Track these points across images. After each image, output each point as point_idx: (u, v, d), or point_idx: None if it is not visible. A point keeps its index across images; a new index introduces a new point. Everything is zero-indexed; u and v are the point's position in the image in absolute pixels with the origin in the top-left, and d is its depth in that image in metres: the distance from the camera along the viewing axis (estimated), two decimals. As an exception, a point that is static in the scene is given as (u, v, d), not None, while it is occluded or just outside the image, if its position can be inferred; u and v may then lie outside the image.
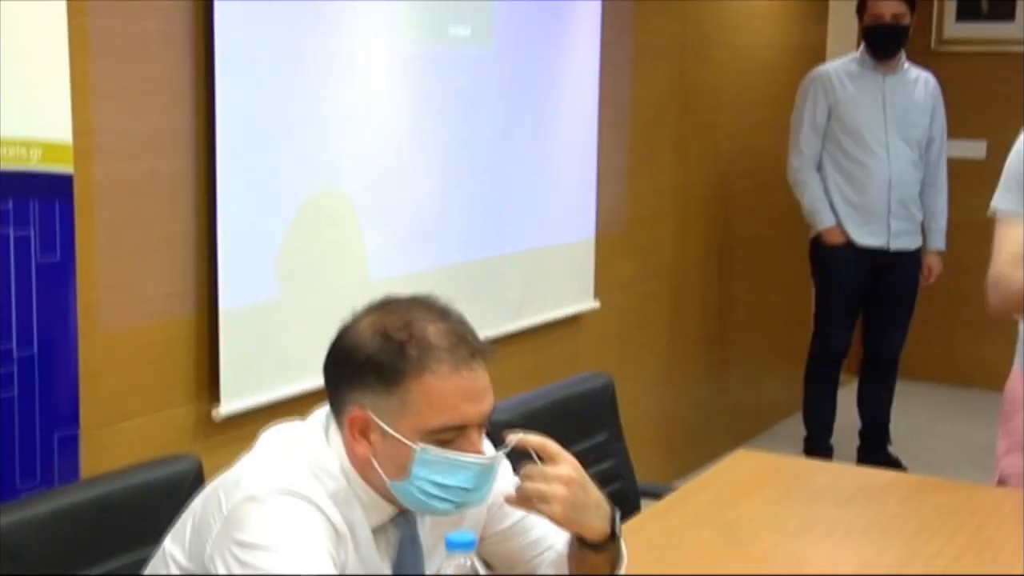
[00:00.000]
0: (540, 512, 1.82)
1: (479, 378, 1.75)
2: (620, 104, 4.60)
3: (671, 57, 4.94)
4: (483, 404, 1.76)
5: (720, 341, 5.71)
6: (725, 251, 5.67)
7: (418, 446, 1.71)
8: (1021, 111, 6.37)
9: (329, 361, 1.80)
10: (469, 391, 1.73)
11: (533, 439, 1.83)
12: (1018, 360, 2.88)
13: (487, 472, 1.77)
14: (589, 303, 4.47)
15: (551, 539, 1.98)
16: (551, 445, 1.84)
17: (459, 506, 1.77)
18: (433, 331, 1.73)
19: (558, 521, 1.83)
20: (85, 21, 2.60)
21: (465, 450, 1.73)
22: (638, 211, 4.82)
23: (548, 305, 4.23)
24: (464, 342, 1.75)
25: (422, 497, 1.74)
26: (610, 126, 4.49)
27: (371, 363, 1.73)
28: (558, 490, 1.79)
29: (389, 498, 1.77)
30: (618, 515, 1.90)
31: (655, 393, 5.13)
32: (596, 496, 1.85)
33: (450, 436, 1.73)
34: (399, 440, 1.72)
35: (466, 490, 1.75)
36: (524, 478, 1.82)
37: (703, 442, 5.45)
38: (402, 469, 1.73)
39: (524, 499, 1.82)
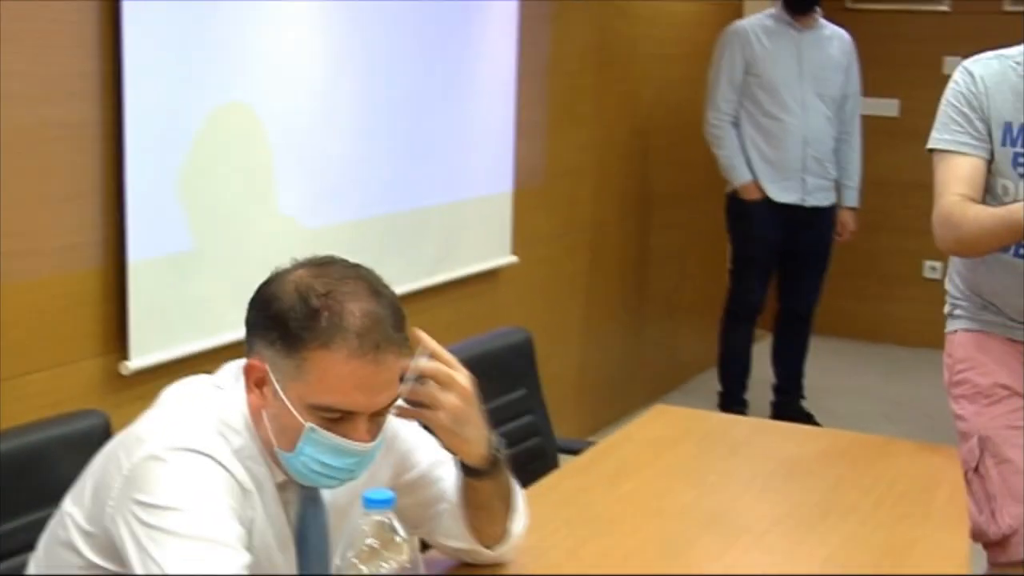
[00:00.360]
0: (425, 418, 1.85)
1: (381, 370, 1.69)
2: (539, 57, 4.56)
3: (590, 11, 4.91)
4: (378, 396, 1.71)
5: (637, 296, 5.72)
6: (643, 206, 5.67)
7: (307, 424, 1.69)
8: (934, 70, 6.45)
9: (250, 302, 1.75)
10: (364, 381, 1.68)
11: (432, 343, 1.85)
12: (957, 323, 2.89)
13: (369, 458, 1.76)
14: (507, 257, 4.45)
15: (451, 493, 1.97)
16: (447, 355, 1.87)
17: (341, 482, 1.76)
18: (352, 309, 1.68)
19: (440, 429, 1.86)
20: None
21: (349, 435, 1.70)
22: (556, 165, 4.80)
23: (466, 259, 4.20)
24: (378, 329, 1.68)
25: (306, 472, 1.72)
26: (528, 79, 4.46)
27: (280, 320, 1.69)
28: (451, 399, 1.84)
29: (277, 460, 1.74)
30: (501, 444, 1.93)
31: (573, 348, 5.13)
32: (480, 419, 1.89)
33: (336, 416, 1.69)
34: (289, 408, 1.69)
35: (348, 471, 1.74)
36: (422, 373, 1.82)
37: (620, 397, 5.47)
38: (290, 440, 1.70)
39: (413, 401, 1.83)
